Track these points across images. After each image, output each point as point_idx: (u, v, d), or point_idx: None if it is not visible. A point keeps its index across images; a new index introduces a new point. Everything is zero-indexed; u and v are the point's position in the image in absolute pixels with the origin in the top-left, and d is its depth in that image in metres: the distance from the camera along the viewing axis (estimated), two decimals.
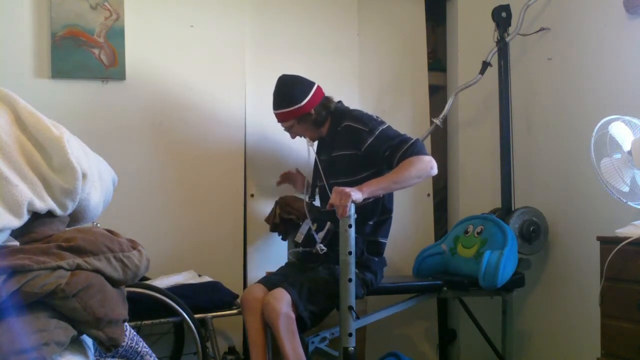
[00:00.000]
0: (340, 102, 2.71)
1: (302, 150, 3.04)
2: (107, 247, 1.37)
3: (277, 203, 2.87)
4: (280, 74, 2.70)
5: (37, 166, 1.29)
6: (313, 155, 2.72)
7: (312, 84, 2.66)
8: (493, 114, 3.13)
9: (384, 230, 2.65)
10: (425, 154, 2.47)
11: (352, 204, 2.35)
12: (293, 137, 2.75)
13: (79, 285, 1.28)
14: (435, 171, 2.47)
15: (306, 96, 2.62)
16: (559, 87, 2.94)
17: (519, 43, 3.10)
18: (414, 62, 3.45)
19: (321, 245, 2.49)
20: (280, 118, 2.68)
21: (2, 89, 1.35)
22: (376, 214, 2.60)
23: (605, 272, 2.13)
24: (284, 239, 2.90)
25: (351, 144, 2.56)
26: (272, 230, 2.88)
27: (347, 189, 2.33)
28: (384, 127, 2.54)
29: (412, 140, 2.48)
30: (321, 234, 2.54)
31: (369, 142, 2.50)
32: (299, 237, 2.62)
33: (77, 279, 1.28)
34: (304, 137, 2.73)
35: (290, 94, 2.63)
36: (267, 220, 2.90)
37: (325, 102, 2.66)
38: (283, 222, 2.83)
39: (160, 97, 2.96)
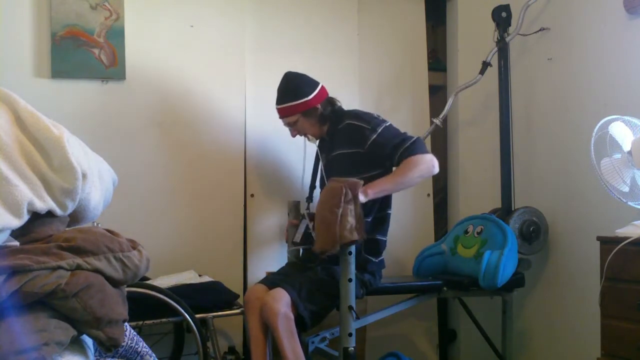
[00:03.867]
0: (340, 106, 2.72)
1: (302, 149, 3.05)
2: (107, 247, 1.37)
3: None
4: (280, 74, 2.70)
5: (37, 166, 1.29)
6: (314, 149, 2.71)
7: (317, 82, 2.67)
8: (493, 114, 3.12)
9: (383, 228, 2.64)
10: (427, 152, 2.48)
11: None
12: (294, 135, 2.73)
13: (79, 285, 1.28)
14: (436, 170, 2.49)
15: (313, 91, 2.62)
16: (559, 87, 2.94)
17: (519, 43, 3.10)
18: (414, 62, 3.45)
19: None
20: (285, 112, 2.66)
21: (2, 89, 1.35)
22: (374, 210, 2.59)
23: (605, 272, 2.13)
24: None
25: (353, 142, 2.56)
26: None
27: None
28: (386, 124, 2.54)
29: (414, 139, 2.48)
30: None
31: (372, 139, 2.50)
32: (298, 236, 2.63)
33: (77, 279, 1.28)
34: (305, 136, 2.73)
35: (297, 89, 2.63)
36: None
37: (330, 99, 2.68)
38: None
39: (160, 97, 2.96)
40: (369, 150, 2.52)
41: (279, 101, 2.67)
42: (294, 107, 2.62)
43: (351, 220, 2.29)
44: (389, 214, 2.65)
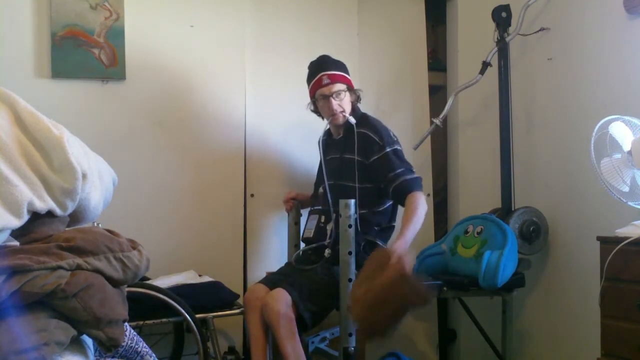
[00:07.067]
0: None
1: (302, 149, 3.05)
2: (107, 247, 1.37)
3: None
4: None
5: (37, 166, 1.29)
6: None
7: None
8: (493, 114, 3.12)
9: (386, 236, 2.68)
10: (422, 191, 2.53)
11: (353, 203, 2.37)
12: (334, 109, 2.59)
13: (79, 285, 1.28)
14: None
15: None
16: (559, 87, 2.94)
17: (519, 43, 3.09)
18: (414, 62, 3.45)
19: (328, 249, 2.51)
20: (337, 79, 2.63)
21: (2, 89, 1.35)
22: (384, 222, 2.65)
23: (605, 272, 2.13)
24: None
25: (362, 151, 2.58)
26: None
27: (400, 251, 2.27)
28: (396, 147, 2.57)
29: (415, 175, 2.53)
30: (330, 226, 2.56)
31: (377, 156, 2.54)
32: (309, 232, 2.64)
33: (77, 279, 1.28)
34: (324, 117, 2.70)
35: (344, 65, 2.68)
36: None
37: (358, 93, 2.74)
38: None
39: (160, 97, 2.96)
40: (370, 165, 2.55)
41: (330, 68, 2.65)
42: (346, 78, 2.66)
43: (396, 326, 2.19)
44: (394, 226, 2.69)
